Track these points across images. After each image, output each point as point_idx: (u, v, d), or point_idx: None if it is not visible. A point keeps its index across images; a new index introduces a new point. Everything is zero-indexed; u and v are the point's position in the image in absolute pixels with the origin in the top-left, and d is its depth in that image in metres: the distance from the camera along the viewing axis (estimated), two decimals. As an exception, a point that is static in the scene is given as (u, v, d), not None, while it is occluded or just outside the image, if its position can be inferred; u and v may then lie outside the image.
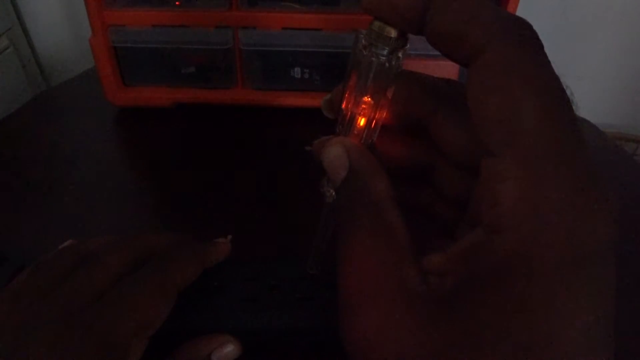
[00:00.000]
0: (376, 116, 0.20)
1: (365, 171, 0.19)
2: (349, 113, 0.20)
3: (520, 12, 0.39)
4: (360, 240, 0.17)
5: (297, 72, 0.53)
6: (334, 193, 0.21)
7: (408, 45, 0.18)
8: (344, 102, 0.20)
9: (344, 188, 0.19)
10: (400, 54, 0.18)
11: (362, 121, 0.20)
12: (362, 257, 0.17)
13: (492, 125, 0.15)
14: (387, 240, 0.17)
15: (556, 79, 0.15)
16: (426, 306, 0.15)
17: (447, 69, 0.51)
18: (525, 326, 0.14)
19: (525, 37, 0.15)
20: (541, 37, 0.16)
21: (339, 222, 0.19)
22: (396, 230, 0.17)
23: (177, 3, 0.50)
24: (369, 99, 0.19)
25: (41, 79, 0.91)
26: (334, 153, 0.19)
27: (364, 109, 0.20)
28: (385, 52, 0.18)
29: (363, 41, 0.18)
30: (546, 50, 0.15)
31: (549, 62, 0.15)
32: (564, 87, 0.15)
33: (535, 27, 0.16)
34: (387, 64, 0.18)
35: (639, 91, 1.01)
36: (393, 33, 0.18)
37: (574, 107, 0.15)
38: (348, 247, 0.17)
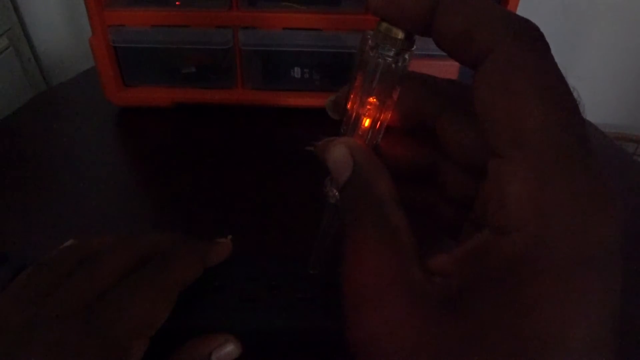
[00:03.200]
0: (381, 117, 0.20)
1: (369, 172, 0.19)
2: (354, 114, 0.20)
3: (520, 12, 0.39)
4: (365, 241, 0.17)
5: (297, 72, 0.53)
6: (337, 193, 0.21)
7: (415, 47, 0.18)
8: (349, 103, 0.20)
9: (348, 189, 0.19)
10: (406, 56, 0.18)
11: (367, 122, 0.20)
12: (366, 257, 0.17)
13: (499, 126, 0.15)
14: (391, 241, 0.17)
15: (563, 80, 0.15)
16: (431, 306, 0.15)
17: (446, 69, 0.51)
18: (530, 327, 0.14)
19: (533, 39, 0.15)
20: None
21: (343, 222, 0.19)
22: (400, 230, 0.17)
23: (177, 3, 0.50)
24: (375, 100, 0.19)
25: (41, 79, 0.91)
26: (338, 153, 0.19)
27: (369, 109, 0.20)
28: (392, 54, 0.18)
29: (370, 42, 0.18)
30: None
31: (555, 63, 0.15)
32: (571, 89, 0.15)
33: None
34: (393, 66, 0.18)
35: (639, 91, 1.01)
36: (400, 34, 0.18)
37: (580, 109, 0.15)
38: (352, 248, 0.17)
